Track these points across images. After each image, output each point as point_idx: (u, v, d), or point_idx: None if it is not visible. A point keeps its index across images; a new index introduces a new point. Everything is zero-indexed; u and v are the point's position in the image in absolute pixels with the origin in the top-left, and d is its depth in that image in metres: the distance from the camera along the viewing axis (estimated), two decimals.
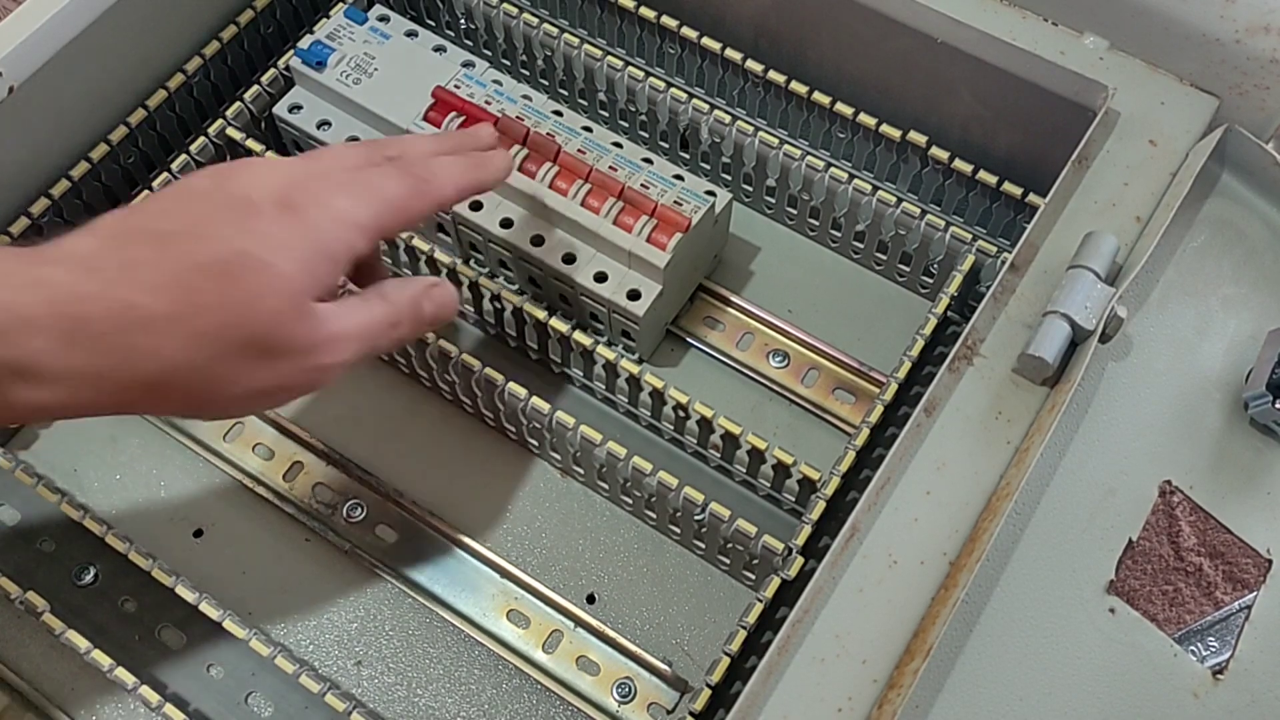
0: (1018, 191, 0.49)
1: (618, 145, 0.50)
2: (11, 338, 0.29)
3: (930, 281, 0.53)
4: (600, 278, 0.48)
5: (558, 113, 0.51)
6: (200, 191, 0.34)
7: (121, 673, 0.41)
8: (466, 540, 0.48)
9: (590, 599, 0.48)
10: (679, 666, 0.45)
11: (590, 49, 0.54)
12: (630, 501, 0.48)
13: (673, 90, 0.52)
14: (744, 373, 0.52)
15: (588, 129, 0.50)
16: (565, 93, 0.57)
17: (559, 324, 0.47)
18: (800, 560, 0.41)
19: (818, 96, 0.51)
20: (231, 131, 0.51)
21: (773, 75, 0.52)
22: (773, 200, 0.55)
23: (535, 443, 0.49)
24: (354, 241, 0.35)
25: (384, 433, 0.51)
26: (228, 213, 0.33)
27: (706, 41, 0.53)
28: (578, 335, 0.47)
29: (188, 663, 0.45)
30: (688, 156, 0.56)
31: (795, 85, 0.52)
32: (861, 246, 0.54)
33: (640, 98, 0.54)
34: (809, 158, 0.51)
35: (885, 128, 0.50)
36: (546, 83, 0.58)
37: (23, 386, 0.29)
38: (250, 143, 0.51)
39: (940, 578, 0.37)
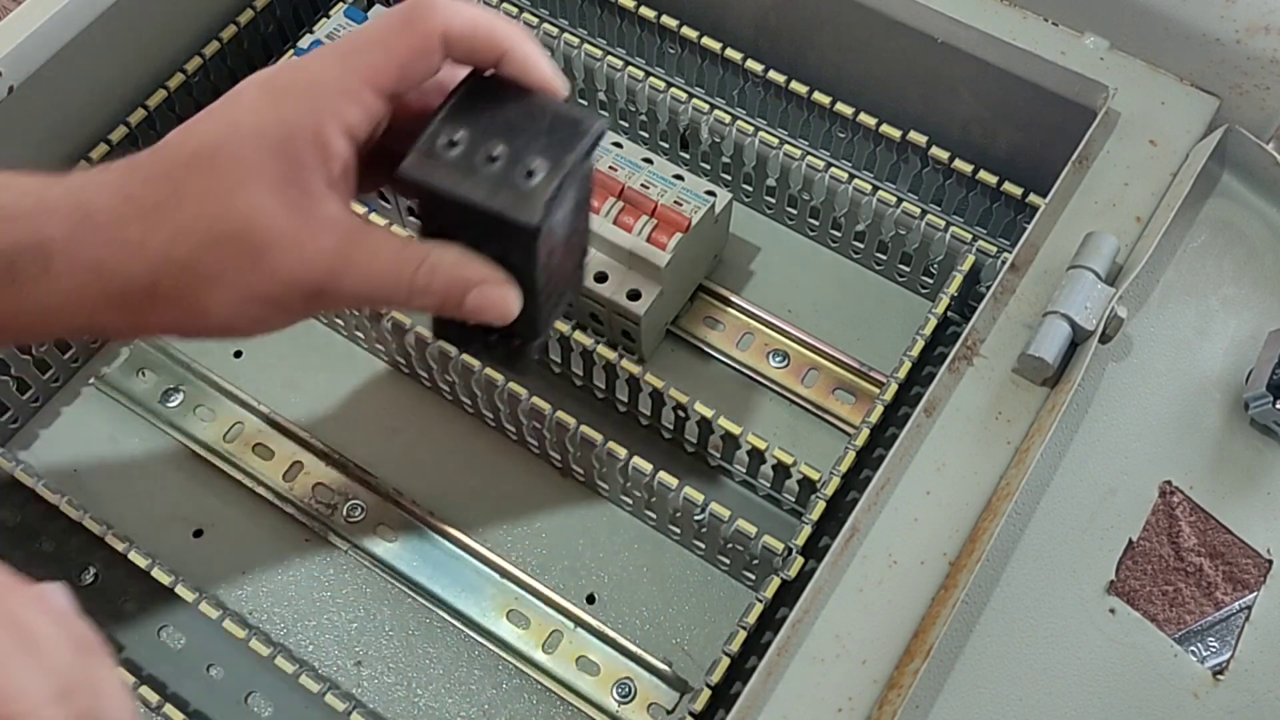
0: (1018, 191, 0.49)
1: (618, 145, 0.50)
2: (35, 222, 0.30)
3: (930, 281, 0.53)
4: (600, 278, 0.48)
5: None
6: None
7: (121, 673, 0.41)
8: (466, 540, 0.48)
9: (590, 599, 0.48)
10: (679, 666, 0.45)
11: (590, 49, 0.54)
12: (630, 501, 0.48)
13: (673, 90, 0.52)
14: (744, 373, 0.52)
15: None
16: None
17: (559, 324, 0.47)
18: (800, 560, 0.41)
19: (818, 96, 0.51)
20: None
21: (773, 75, 0.52)
22: (773, 200, 0.55)
23: (535, 443, 0.49)
24: (343, 113, 0.31)
25: (384, 433, 0.51)
26: (218, 106, 0.32)
27: (706, 41, 0.53)
28: (578, 335, 0.47)
29: (188, 663, 0.45)
30: (688, 156, 0.56)
31: (795, 85, 0.52)
32: (861, 246, 0.54)
33: (640, 98, 0.54)
34: (809, 158, 0.51)
35: (885, 128, 0.50)
36: None
37: (41, 276, 0.30)
38: None
39: (940, 578, 0.37)
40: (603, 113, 0.56)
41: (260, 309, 0.32)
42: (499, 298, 0.33)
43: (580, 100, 0.57)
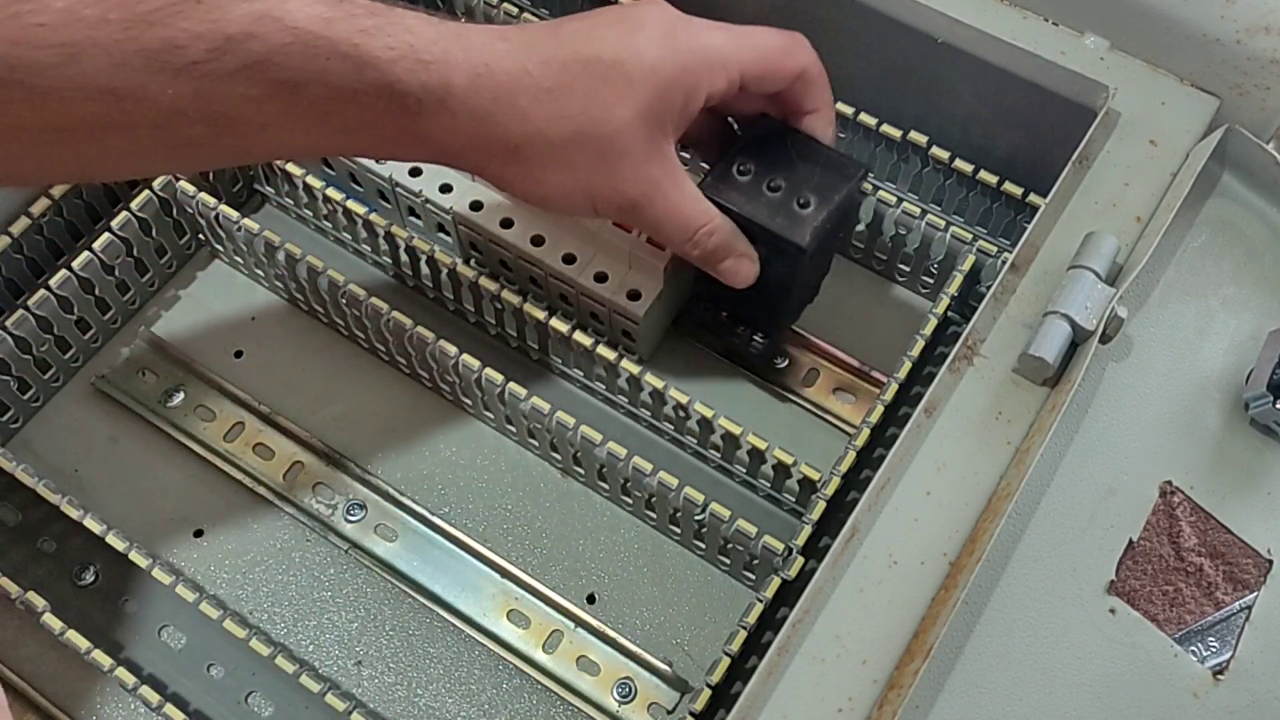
0: (1018, 191, 0.49)
1: None
2: (442, 69, 0.36)
3: (930, 281, 0.53)
4: (600, 278, 0.48)
5: None
6: (609, 5, 0.40)
7: (122, 672, 0.41)
8: (466, 540, 0.48)
9: (590, 599, 0.48)
10: (679, 666, 0.45)
11: None
12: (630, 501, 0.48)
13: None
14: (744, 373, 0.52)
15: None
16: None
17: (559, 324, 0.47)
18: (800, 560, 0.41)
19: None
20: None
21: None
22: None
23: (536, 443, 0.49)
24: (715, 78, 0.39)
25: (384, 433, 0.51)
26: (620, 25, 0.39)
27: None
28: (578, 335, 0.47)
29: (188, 663, 0.45)
30: (688, 157, 0.56)
31: None
32: (862, 247, 0.54)
33: None
34: None
35: (885, 128, 0.50)
36: None
37: (437, 112, 0.36)
38: None
39: (940, 578, 0.37)
40: None
41: (582, 199, 0.40)
42: (746, 268, 0.44)
43: None
